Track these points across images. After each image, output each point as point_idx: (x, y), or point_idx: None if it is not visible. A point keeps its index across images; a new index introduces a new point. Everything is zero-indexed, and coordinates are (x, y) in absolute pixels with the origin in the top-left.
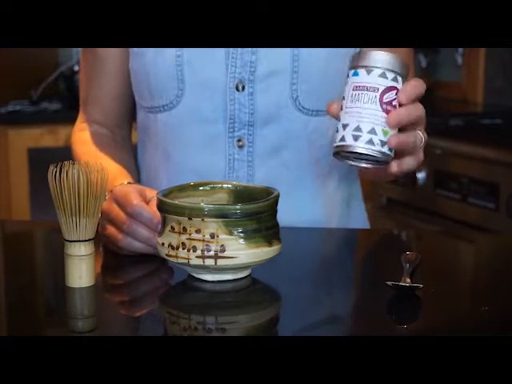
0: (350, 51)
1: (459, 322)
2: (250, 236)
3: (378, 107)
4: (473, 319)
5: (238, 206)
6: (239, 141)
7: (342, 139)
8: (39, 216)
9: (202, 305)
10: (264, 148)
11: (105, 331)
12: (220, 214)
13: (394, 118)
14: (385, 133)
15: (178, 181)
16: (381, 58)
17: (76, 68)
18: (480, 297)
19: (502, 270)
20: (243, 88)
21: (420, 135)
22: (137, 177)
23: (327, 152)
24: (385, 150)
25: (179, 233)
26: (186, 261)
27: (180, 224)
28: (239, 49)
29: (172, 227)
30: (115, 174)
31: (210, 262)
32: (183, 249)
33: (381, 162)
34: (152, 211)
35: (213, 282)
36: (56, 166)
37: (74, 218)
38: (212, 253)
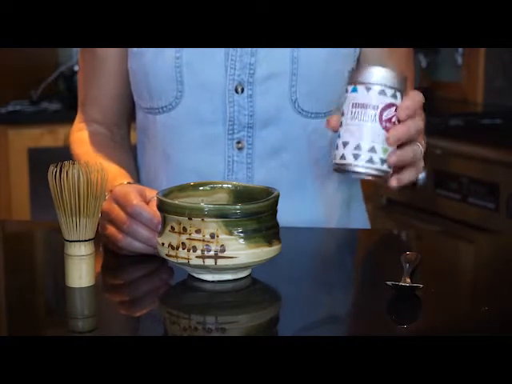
0: (350, 52)
1: (459, 322)
2: (249, 236)
3: (377, 125)
4: (473, 319)
5: (237, 206)
6: (238, 143)
7: (343, 157)
8: (39, 216)
9: (202, 305)
10: (263, 150)
11: (105, 331)
12: (220, 214)
13: (393, 136)
14: (384, 150)
15: (177, 182)
16: (380, 74)
17: (76, 68)
18: (480, 297)
19: (502, 270)
20: (242, 90)
21: (419, 147)
22: (136, 176)
23: (327, 153)
24: (384, 167)
25: (179, 233)
26: (186, 261)
27: (180, 224)
28: (238, 51)
29: (172, 227)
30: (115, 173)
31: (210, 261)
32: (183, 249)
33: (381, 176)
34: (152, 211)
35: (213, 281)
36: (56, 166)
37: (73, 218)
38: (212, 253)
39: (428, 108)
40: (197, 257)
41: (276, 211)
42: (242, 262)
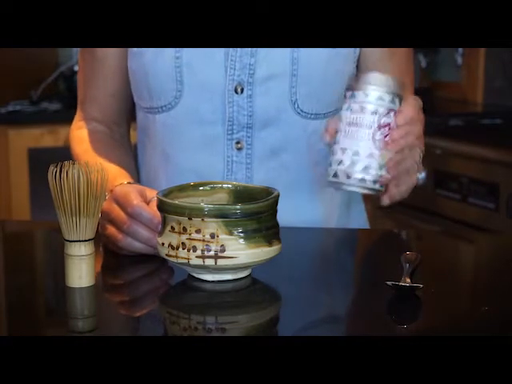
0: (350, 53)
1: (459, 322)
2: (250, 236)
3: (371, 145)
4: (473, 319)
5: (237, 206)
6: (238, 143)
7: (336, 175)
8: (39, 216)
9: (202, 305)
10: (263, 150)
11: (105, 331)
12: (220, 214)
13: (392, 140)
14: (378, 169)
15: (176, 182)
16: (378, 81)
17: (76, 68)
18: (480, 297)
19: (502, 270)
20: (242, 90)
21: (417, 152)
22: (136, 175)
23: (326, 154)
24: (376, 186)
25: (179, 233)
26: (186, 261)
27: (180, 224)
28: (238, 51)
29: (172, 227)
30: (115, 173)
31: (210, 261)
32: (183, 249)
33: (373, 194)
34: (152, 211)
35: (213, 281)
36: (56, 166)
37: (74, 218)
38: (212, 253)
39: (428, 108)
40: (197, 257)
41: (276, 211)
42: (241, 262)
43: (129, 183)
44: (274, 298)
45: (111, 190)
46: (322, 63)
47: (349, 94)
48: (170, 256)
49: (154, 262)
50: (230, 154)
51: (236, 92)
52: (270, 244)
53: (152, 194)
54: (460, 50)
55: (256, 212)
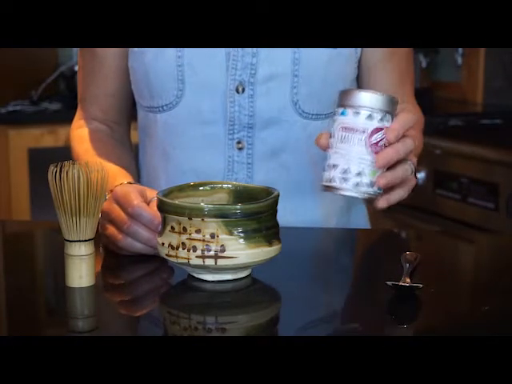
0: (351, 54)
1: (459, 321)
2: (250, 236)
3: (366, 149)
4: (473, 319)
5: (237, 206)
6: (239, 143)
7: (331, 180)
8: (39, 216)
9: (202, 305)
10: (263, 150)
11: (105, 331)
12: (220, 214)
13: (382, 159)
14: (373, 173)
15: (177, 182)
16: (368, 98)
17: (76, 68)
18: (480, 297)
19: (502, 270)
20: (243, 90)
21: (410, 166)
22: (136, 175)
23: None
24: (372, 190)
25: (179, 233)
26: (186, 261)
27: (180, 224)
28: (240, 51)
29: (172, 227)
30: (115, 173)
31: (210, 261)
32: (183, 249)
33: (368, 199)
34: (152, 212)
35: (213, 281)
36: (56, 166)
37: (74, 218)
38: (212, 253)
39: (428, 108)
40: (197, 257)
41: (276, 211)
42: (241, 262)
43: (129, 183)
44: (274, 298)
45: (111, 190)
46: (324, 64)
47: (339, 110)
48: (170, 256)
49: (153, 261)
50: (231, 154)
51: (237, 92)
52: (269, 244)
53: (152, 194)
54: (460, 50)
55: (256, 212)
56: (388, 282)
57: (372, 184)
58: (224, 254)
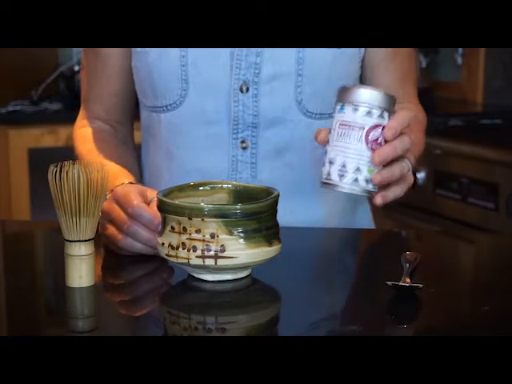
0: (354, 53)
1: (459, 321)
2: (250, 236)
3: (363, 146)
4: (473, 319)
5: (237, 206)
6: (243, 142)
7: (328, 176)
8: (39, 216)
9: (202, 305)
10: (267, 150)
11: (105, 331)
12: (220, 214)
13: (378, 157)
14: (370, 170)
15: (181, 181)
16: (367, 95)
17: (76, 68)
18: (480, 297)
19: (502, 270)
20: (247, 89)
21: (407, 164)
22: (139, 175)
23: None
24: (369, 187)
25: (179, 233)
26: (186, 261)
27: (180, 224)
28: (244, 50)
29: (172, 227)
30: (117, 173)
31: (210, 261)
32: (183, 249)
33: (366, 195)
34: (152, 212)
35: (213, 281)
36: (56, 166)
37: (74, 218)
38: (212, 253)
39: (428, 108)
40: (197, 257)
41: (276, 211)
42: (241, 262)
43: (130, 183)
44: (274, 298)
45: (112, 190)
46: (328, 63)
47: (338, 106)
48: (170, 256)
49: (153, 261)
50: (235, 154)
51: (241, 91)
52: (269, 244)
53: (153, 194)
54: (460, 50)
55: (256, 212)
56: (388, 282)
57: (369, 181)
58: (224, 254)
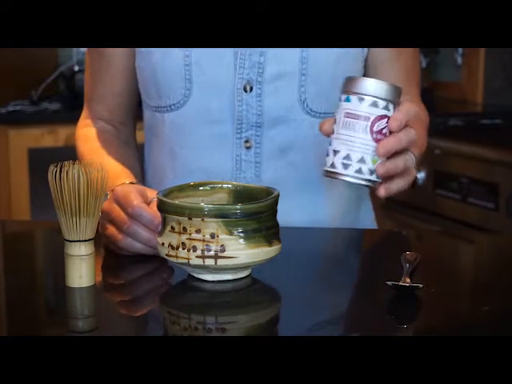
0: (358, 53)
1: (459, 321)
2: (250, 236)
3: (368, 136)
4: (473, 319)
5: (238, 206)
6: (247, 142)
7: (332, 165)
8: (39, 216)
9: (202, 305)
10: (271, 149)
11: (105, 331)
12: (220, 214)
13: (382, 147)
14: (374, 161)
15: (184, 181)
16: (373, 86)
17: (76, 68)
18: (480, 297)
19: (502, 270)
20: (251, 89)
21: (411, 157)
22: (140, 175)
23: None
24: (373, 177)
25: (179, 233)
26: (186, 261)
27: (180, 224)
28: (248, 50)
29: (172, 227)
30: (118, 173)
31: (210, 261)
32: (183, 249)
33: (369, 186)
34: (152, 212)
35: (213, 281)
36: (56, 166)
37: (74, 218)
38: (212, 253)
39: (428, 108)
40: (197, 257)
41: (276, 211)
42: (241, 262)
43: (131, 183)
44: (274, 298)
45: (112, 190)
46: (331, 62)
47: (344, 96)
48: (170, 256)
49: (153, 261)
50: (239, 153)
51: (245, 91)
52: (270, 244)
53: (153, 194)
54: (460, 50)
55: (256, 212)
56: (388, 282)
57: (372, 172)
58: (224, 254)
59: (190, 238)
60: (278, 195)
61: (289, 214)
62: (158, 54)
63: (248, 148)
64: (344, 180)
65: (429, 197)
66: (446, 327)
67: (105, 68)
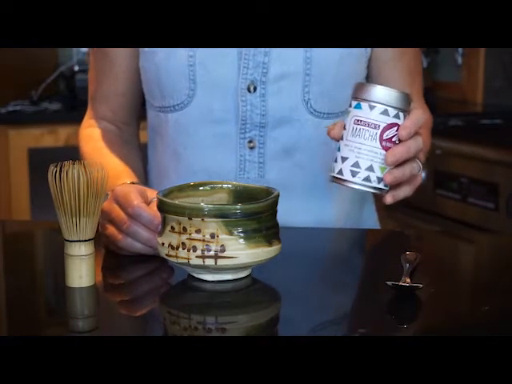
0: (362, 53)
1: (459, 321)
2: (250, 236)
3: (377, 144)
4: (473, 319)
5: (237, 206)
6: (250, 142)
7: (340, 172)
8: (39, 216)
9: (202, 305)
10: (275, 149)
11: (105, 331)
12: (220, 214)
13: (391, 156)
14: (382, 169)
15: (188, 181)
16: (384, 94)
17: (76, 68)
18: (480, 297)
19: (502, 270)
20: (255, 89)
21: (418, 164)
22: (143, 175)
23: None
24: (381, 185)
25: (179, 233)
26: (186, 261)
27: (180, 224)
28: (252, 50)
29: (172, 227)
30: (119, 172)
31: (210, 261)
32: (183, 249)
33: (376, 193)
34: (152, 212)
35: (213, 281)
36: (56, 166)
37: (74, 218)
38: (212, 253)
39: (428, 108)
40: (197, 257)
41: (276, 211)
42: (241, 262)
43: (132, 183)
44: (273, 298)
45: (113, 190)
46: (335, 63)
47: (354, 103)
48: (170, 256)
49: (153, 261)
50: (243, 153)
51: (249, 91)
52: (269, 244)
53: (153, 194)
54: (460, 50)
55: (256, 212)
56: (388, 282)
57: (380, 180)
58: (224, 254)
59: (189, 238)
60: (278, 195)
61: (294, 215)
62: (161, 54)
63: (252, 148)
64: (352, 187)
65: (429, 197)
66: (445, 327)
67: (108, 68)
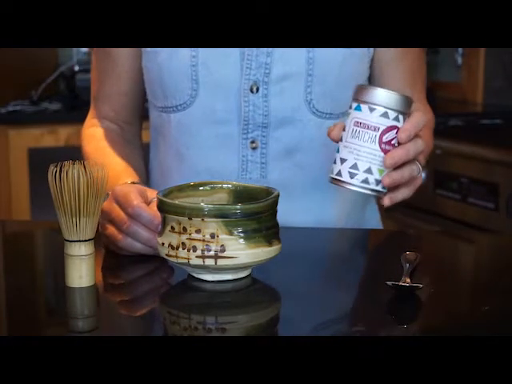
0: (364, 53)
1: (459, 321)
2: (250, 236)
3: (376, 146)
4: (473, 319)
5: (237, 206)
6: (253, 142)
7: (339, 173)
8: (39, 216)
9: (202, 305)
10: (277, 150)
11: (105, 331)
12: (220, 214)
13: (390, 159)
14: (381, 172)
15: (191, 181)
16: (385, 96)
17: (76, 68)
18: (480, 297)
19: (502, 270)
20: (257, 90)
21: (417, 166)
22: (144, 175)
23: None
24: (379, 188)
25: (179, 233)
26: (186, 261)
27: (180, 224)
28: (254, 50)
29: (172, 227)
30: (120, 172)
31: (210, 261)
32: (183, 249)
33: (375, 195)
34: (152, 212)
35: (213, 281)
36: (56, 166)
37: (74, 218)
38: (212, 253)
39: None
40: (197, 257)
41: (276, 211)
42: (241, 262)
43: (133, 183)
44: (273, 298)
45: (113, 190)
46: (338, 63)
47: (354, 105)
48: (170, 256)
49: (153, 261)
50: (245, 154)
51: (251, 91)
52: (269, 244)
53: (153, 194)
54: (460, 50)
55: (256, 212)
56: (388, 282)
57: (379, 182)
58: (224, 254)
59: (189, 238)
60: (278, 195)
61: (295, 215)
62: (164, 54)
63: (254, 149)
64: (350, 189)
65: (429, 197)
66: (446, 327)
67: (111, 68)
